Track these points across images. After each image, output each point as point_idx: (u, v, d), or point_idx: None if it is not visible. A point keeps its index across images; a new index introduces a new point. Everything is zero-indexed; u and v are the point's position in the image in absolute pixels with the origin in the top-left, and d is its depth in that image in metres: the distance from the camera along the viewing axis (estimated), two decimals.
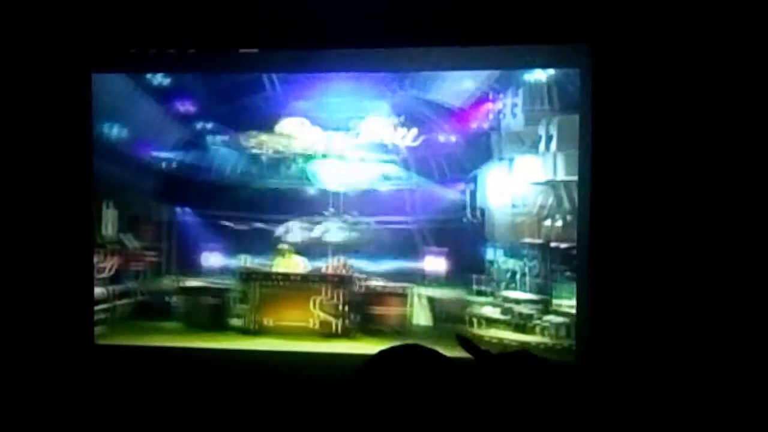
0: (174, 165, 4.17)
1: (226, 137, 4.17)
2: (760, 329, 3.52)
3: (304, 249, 4.20)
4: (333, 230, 4.20)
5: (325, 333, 4.10)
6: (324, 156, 4.13)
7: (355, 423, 1.32)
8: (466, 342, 1.44)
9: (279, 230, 4.19)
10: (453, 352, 1.44)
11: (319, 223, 4.20)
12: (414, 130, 4.04)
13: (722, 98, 3.52)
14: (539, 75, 3.91)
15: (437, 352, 1.40)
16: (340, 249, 4.15)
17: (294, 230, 4.20)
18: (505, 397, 1.38)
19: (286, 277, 4.20)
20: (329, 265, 4.16)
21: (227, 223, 4.19)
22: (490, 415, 1.35)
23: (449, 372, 1.36)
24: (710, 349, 3.53)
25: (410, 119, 4.03)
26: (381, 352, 1.40)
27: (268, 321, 4.15)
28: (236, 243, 4.22)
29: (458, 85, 3.96)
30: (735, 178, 3.52)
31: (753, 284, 3.52)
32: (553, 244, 3.89)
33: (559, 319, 3.87)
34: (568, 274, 3.85)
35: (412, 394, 1.30)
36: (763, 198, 3.52)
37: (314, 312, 4.12)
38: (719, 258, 3.53)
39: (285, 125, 4.10)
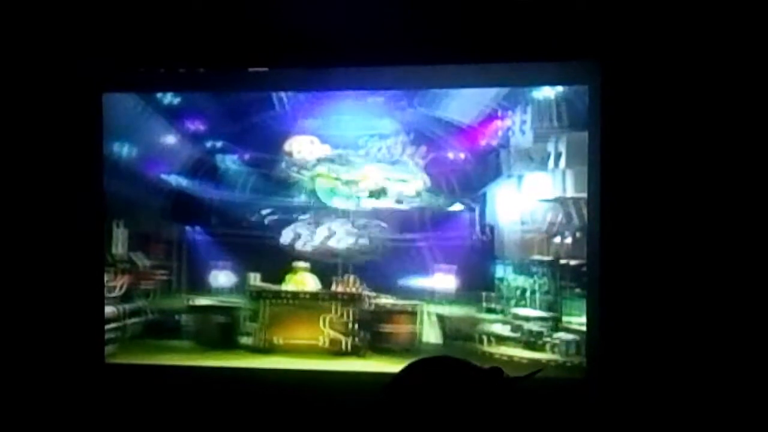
0: (184, 184, 4.18)
1: (235, 156, 4.17)
2: None
3: (315, 262, 4.18)
4: (342, 239, 4.18)
5: (335, 351, 4.09)
6: (333, 173, 4.13)
7: None
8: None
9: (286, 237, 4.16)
10: None
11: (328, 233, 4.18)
12: (423, 148, 4.04)
13: (732, 115, 3.52)
14: (548, 92, 3.91)
15: (470, 364, 1.40)
16: (350, 262, 4.12)
17: (303, 238, 4.17)
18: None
19: (295, 295, 4.19)
20: (340, 282, 4.14)
21: (237, 241, 4.19)
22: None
23: (484, 384, 1.35)
24: (724, 367, 3.51)
25: (419, 137, 4.04)
26: (410, 366, 1.39)
27: (278, 339, 4.15)
28: (246, 261, 4.21)
29: (467, 102, 3.97)
30: (746, 195, 3.52)
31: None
32: (562, 261, 3.89)
33: (570, 336, 3.86)
34: (578, 291, 3.84)
35: (448, 408, 1.30)
36: None
37: (324, 330, 4.12)
38: (732, 274, 3.53)
39: (294, 143, 4.11)
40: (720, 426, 3.45)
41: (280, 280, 4.22)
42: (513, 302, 4.01)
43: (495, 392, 1.34)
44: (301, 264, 4.18)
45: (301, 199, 4.20)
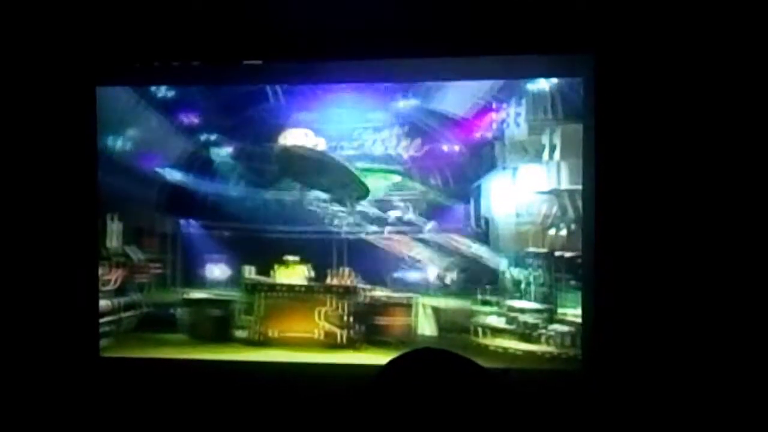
0: (178, 177, 4.17)
1: (230, 149, 4.16)
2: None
3: (309, 254, 4.17)
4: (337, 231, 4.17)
5: (330, 344, 4.10)
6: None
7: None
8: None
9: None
10: None
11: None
12: (418, 140, 4.03)
13: (729, 107, 3.52)
14: (542, 84, 3.91)
15: (461, 356, 1.40)
16: (345, 254, 4.12)
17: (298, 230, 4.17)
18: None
19: (290, 287, 4.19)
20: (334, 275, 4.14)
21: (231, 235, 4.18)
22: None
23: (474, 375, 1.36)
24: (719, 359, 3.52)
25: (414, 129, 4.03)
26: (399, 357, 1.40)
27: (273, 332, 4.15)
28: (241, 254, 4.20)
29: (462, 95, 3.96)
30: (742, 187, 3.53)
31: (761, 292, 3.52)
32: (557, 253, 3.89)
33: (565, 328, 3.87)
34: (573, 283, 3.85)
35: (436, 400, 1.30)
36: None
37: (319, 323, 4.12)
38: (727, 266, 3.54)
39: (289, 137, 4.10)
40: (715, 417, 3.46)
41: (274, 273, 4.22)
42: (508, 294, 4.01)
43: (484, 385, 1.34)
44: (291, 258, 4.18)
45: (295, 191, 4.19)
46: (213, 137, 4.20)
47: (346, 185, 4.12)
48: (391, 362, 1.39)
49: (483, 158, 4.00)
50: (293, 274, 4.19)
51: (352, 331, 4.11)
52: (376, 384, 1.35)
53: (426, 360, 1.39)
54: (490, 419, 1.31)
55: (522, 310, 3.98)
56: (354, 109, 4.06)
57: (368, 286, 4.13)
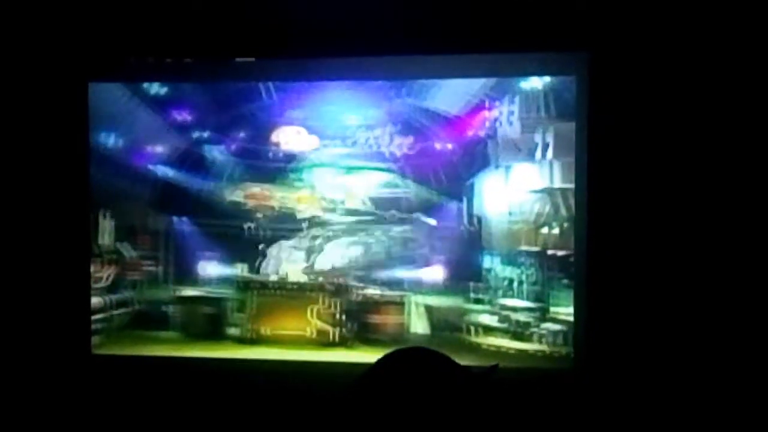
0: (171, 174, 4.16)
1: (222, 146, 4.15)
2: (760, 337, 3.53)
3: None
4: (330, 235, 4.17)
5: (323, 342, 4.10)
6: (320, 164, 4.11)
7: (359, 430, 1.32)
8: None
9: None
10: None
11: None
12: (410, 138, 4.03)
13: (723, 106, 3.53)
14: (535, 83, 3.91)
15: (444, 356, 1.40)
16: (337, 255, 4.12)
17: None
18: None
19: (282, 285, 4.18)
20: (326, 273, 4.14)
21: (224, 232, 4.17)
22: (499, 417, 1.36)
23: (458, 375, 1.36)
24: (711, 355, 3.53)
25: (407, 127, 4.03)
26: (385, 357, 1.40)
27: (266, 330, 4.15)
28: (233, 252, 4.19)
29: (455, 93, 3.96)
30: (735, 187, 3.53)
31: (753, 292, 3.53)
32: (550, 252, 3.89)
33: (557, 327, 3.87)
34: (565, 281, 3.86)
35: (420, 399, 1.30)
36: (764, 205, 3.53)
37: (311, 321, 4.12)
38: (718, 264, 3.54)
39: (281, 134, 4.09)
40: (708, 415, 3.46)
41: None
42: (500, 293, 4.01)
43: (468, 386, 1.35)
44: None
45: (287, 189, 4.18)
46: (205, 134, 4.19)
47: None
48: (378, 361, 1.39)
49: (476, 157, 4.00)
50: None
51: (344, 329, 4.11)
52: (363, 382, 1.35)
53: (412, 359, 1.40)
54: (474, 420, 1.31)
55: (514, 309, 3.98)
56: (347, 106, 4.06)
57: (361, 284, 4.13)
